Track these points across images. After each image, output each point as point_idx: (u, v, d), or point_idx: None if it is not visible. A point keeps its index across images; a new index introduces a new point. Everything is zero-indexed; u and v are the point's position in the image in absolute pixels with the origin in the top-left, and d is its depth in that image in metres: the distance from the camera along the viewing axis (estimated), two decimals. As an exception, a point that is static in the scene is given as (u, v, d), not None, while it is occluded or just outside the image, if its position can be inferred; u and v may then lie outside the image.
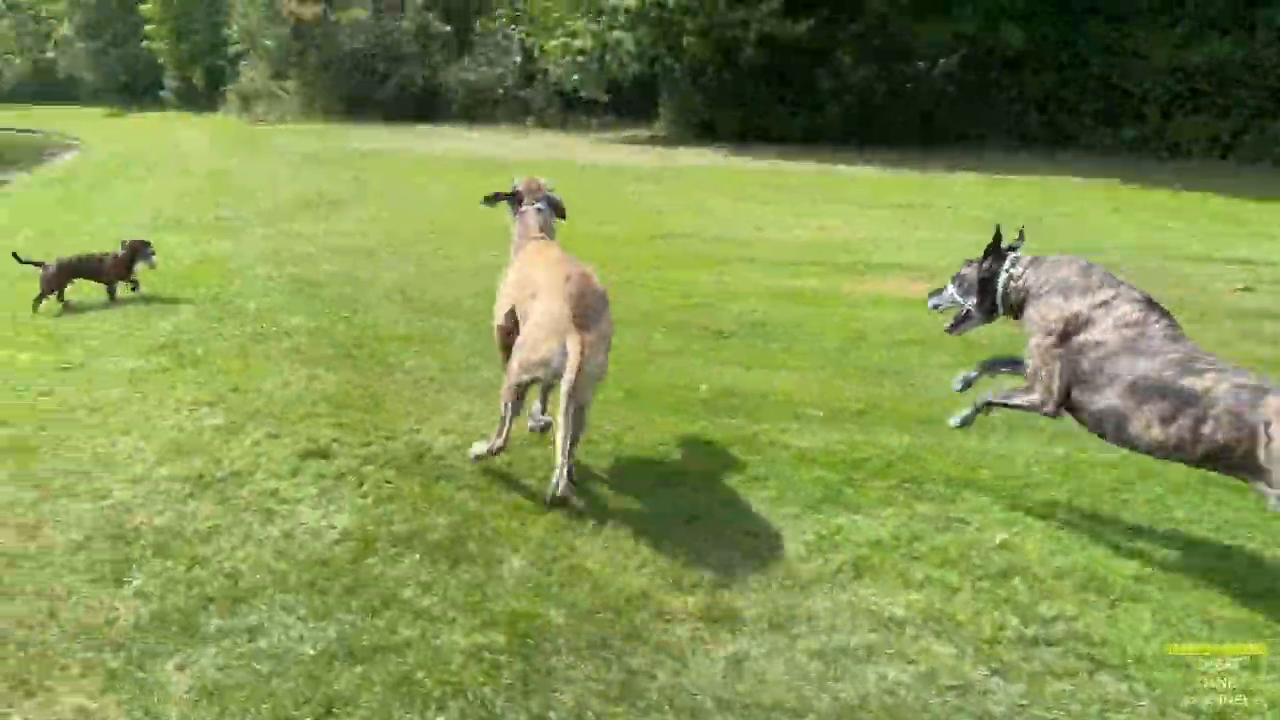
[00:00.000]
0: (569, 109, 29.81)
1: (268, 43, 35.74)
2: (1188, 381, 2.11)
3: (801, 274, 7.42)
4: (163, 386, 4.42)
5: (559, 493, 2.88)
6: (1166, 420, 2.12)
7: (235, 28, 37.63)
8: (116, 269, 5.98)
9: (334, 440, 3.80)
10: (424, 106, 32.54)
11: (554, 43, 24.67)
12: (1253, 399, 2.02)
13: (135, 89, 48.86)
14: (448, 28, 33.88)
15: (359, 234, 9.07)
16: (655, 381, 4.67)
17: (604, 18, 22.95)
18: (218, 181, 14.05)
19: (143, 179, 14.44)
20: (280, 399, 4.28)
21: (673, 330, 5.75)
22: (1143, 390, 2.17)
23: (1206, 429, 2.06)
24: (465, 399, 4.30)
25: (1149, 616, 2.62)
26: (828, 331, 5.74)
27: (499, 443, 3.15)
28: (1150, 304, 2.35)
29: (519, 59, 30.22)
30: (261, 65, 36.80)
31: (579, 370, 2.70)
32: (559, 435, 2.81)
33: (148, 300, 6.18)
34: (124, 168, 16.84)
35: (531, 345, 2.84)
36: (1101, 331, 2.30)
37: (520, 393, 3.00)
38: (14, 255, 5.99)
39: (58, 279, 5.70)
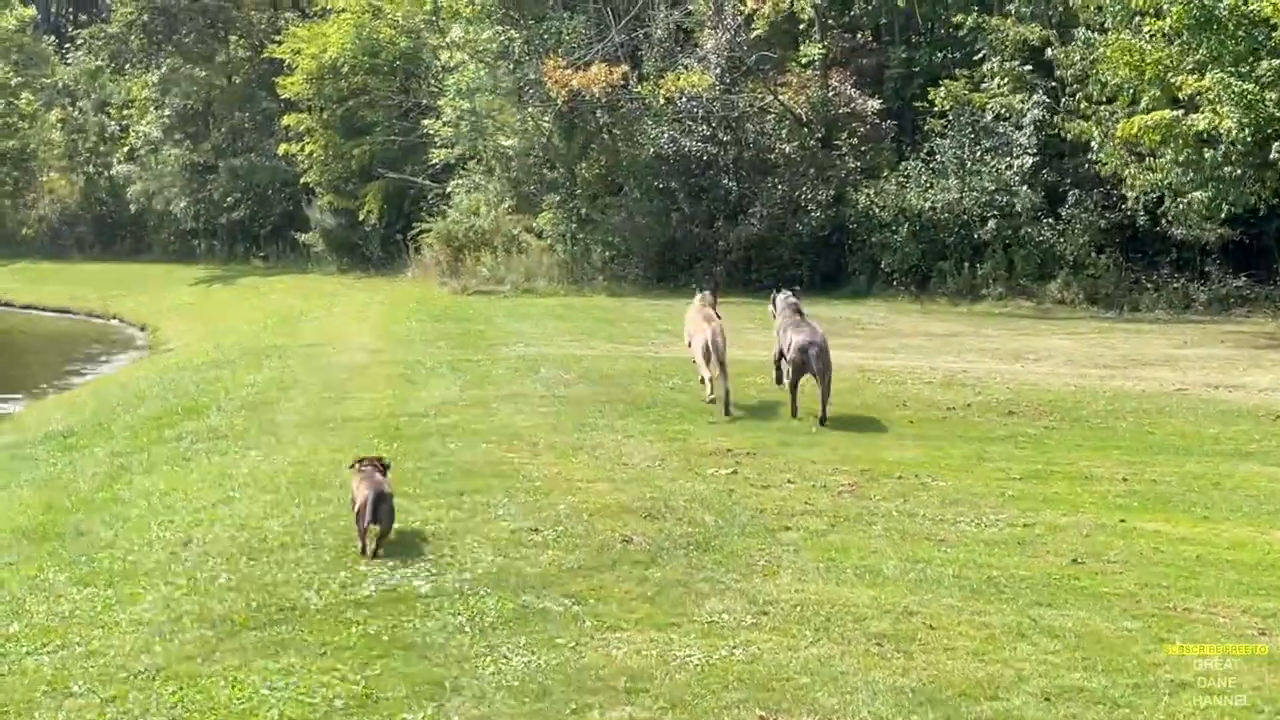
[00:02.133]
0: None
1: (507, 143, 38.27)
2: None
3: None
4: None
5: (726, 409, 14.62)
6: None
7: (445, 115, 40.34)
8: None
9: None
10: (826, 259, 33.95)
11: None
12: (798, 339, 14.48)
13: (254, 230, 55.26)
14: (874, 103, 34.40)
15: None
16: None
17: None
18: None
19: (231, 449, 13.95)
20: None
21: None
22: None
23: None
24: None
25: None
26: None
27: (712, 393, 15.25)
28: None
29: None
30: (491, 184, 39.36)
31: (718, 337, 15.24)
32: (724, 370, 14.93)
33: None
34: (197, 407, 17.09)
35: (690, 338, 16.18)
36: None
37: (704, 359, 15.39)
38: None
39: None
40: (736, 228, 33.88)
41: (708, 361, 14.78)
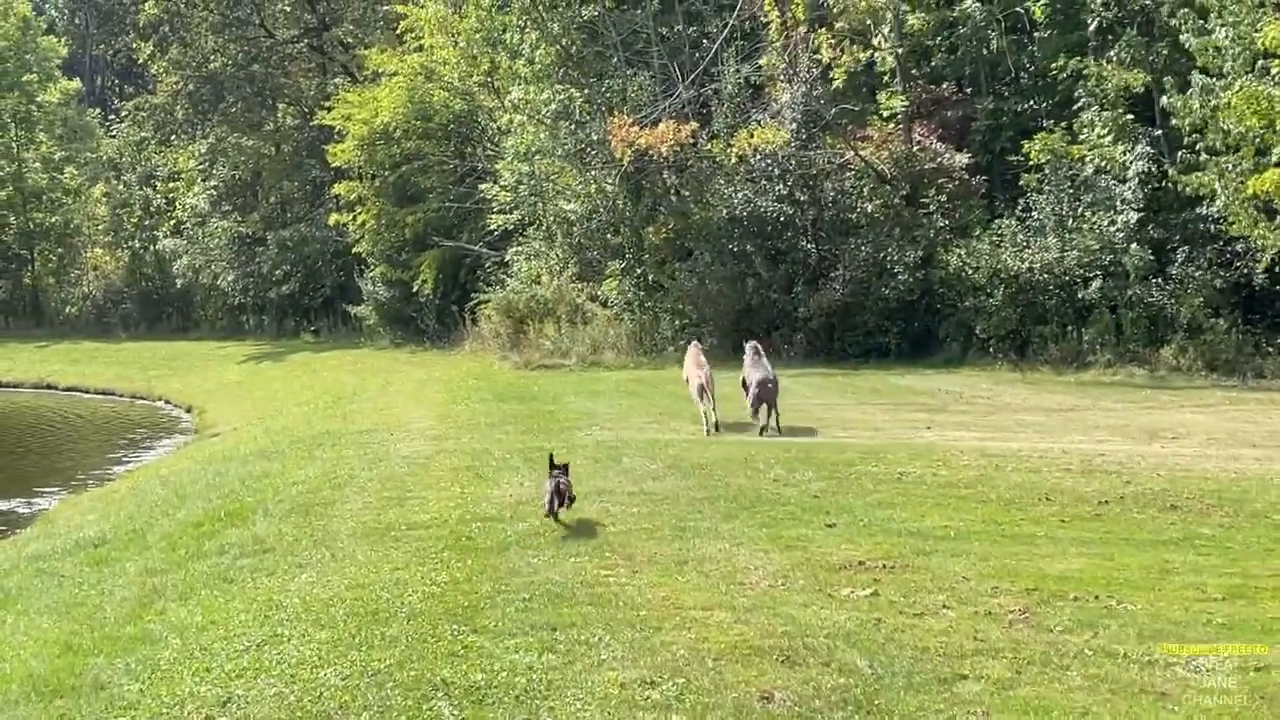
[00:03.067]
0: None
1: (569, 206, 37.77)
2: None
3: None
4: None
5: (714, 430, 20.27)
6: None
7: (503, 179, 40.00)
8: None
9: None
10: (915, 324, 32.87)
11: None
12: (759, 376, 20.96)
13: (304, 304, 55.40)
14: (962, 157, 33.19)
15: None
16: None
17: None
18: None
19: (279, 566, 12.57)
20: None
21: None
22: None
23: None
24: None
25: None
26: None
27: (706, 424, 20.55)
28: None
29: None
30: (553, 251, 38.89)
31: (710, 380, 21.21)
32: (713, 403, 20.67)
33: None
34: (242, 510, 16.03)
35: (688, 378, 22.41)
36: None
37: (700, 396, 21.15)
38: None
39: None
40: (817, 293, 32.75)
41: (701, 397, 20.38)
